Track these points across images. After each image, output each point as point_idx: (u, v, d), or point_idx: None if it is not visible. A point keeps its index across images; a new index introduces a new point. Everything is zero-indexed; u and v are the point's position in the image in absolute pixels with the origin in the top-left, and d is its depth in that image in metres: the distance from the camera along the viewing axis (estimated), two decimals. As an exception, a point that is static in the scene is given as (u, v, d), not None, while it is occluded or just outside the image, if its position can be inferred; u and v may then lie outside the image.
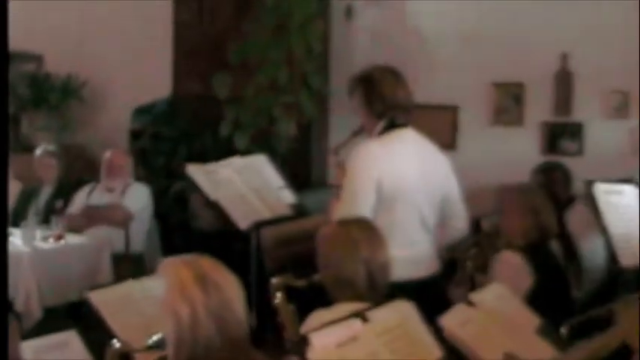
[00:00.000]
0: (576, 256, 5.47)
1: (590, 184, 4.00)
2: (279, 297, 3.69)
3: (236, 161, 4.69)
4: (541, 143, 7.43)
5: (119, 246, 6.85)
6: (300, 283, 3.63)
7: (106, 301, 3.55)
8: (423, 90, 6.08)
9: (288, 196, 4.69)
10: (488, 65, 7.49)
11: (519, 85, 7.47)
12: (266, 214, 4.54)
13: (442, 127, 7.36)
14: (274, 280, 3.68)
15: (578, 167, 6.43)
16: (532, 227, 4.55)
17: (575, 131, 7.31)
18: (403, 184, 4.10)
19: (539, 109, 7.44)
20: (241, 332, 2.73)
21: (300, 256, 6.67)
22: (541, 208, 4.61)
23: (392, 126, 4.18)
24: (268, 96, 7.29)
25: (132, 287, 3.68)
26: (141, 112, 8.46)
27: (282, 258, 7.21)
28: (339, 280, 3.37)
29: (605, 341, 2.83)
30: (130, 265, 6.85)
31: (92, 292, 3.56)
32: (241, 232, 7.69)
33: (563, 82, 7.30)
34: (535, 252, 4.48)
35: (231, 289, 2.75)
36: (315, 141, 7.97)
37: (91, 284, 6.29)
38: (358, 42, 7.97)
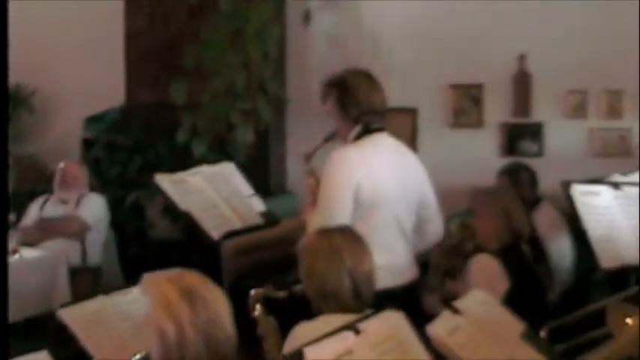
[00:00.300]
0: (545, 258, 5.44)
1: (567, 185, 3.93)
2: (258, 309, 3.58)
3: (205, 169, 4.55)
4: (501, 145, 7.41)
5: (75, 259, 6.67)
6: (281, 294, 3.53)
7: (77, 318, 3.42)
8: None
9: (258, 205, 4.57)
10: (446, 67, 7.46)
11: (478, 87, 7.44)
12: (237, 224, 4.41)
13: (401, 129, 7.27)
14: (253, 292, 3.58)
15: (538, 168, 6.39)
16: (505, 230, 4.52)
17: (534, 132, 7.29)
18: (382, 191, 4.00)
19: (498, 110, 7.42)
20: (230, 349, 2.62)
21: (260, 263, 6.60)
22: (513, 210, 4.58)
23: (367, 131, 4.09)
24: (225, 102, 7.16)
25: (103, 303, 3.55)
26: (93, 120, 8.28)
27: (241, 267, 7.13)
28: (324, 291, 3.26)
29: (607, 356, 2.77)
30: (87, 278, 6.69)
31: (63, 309, 3.43)
32: (200, 242, 7.61)
33: (522, 83, 7.29)
34: (509, 255, 4.45)
35: (218, 304, 2.63)
36: (273, 147, 7.86)
37: (48, 299, 6.15)
38: (314, 46, 7.88)
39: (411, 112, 7.57)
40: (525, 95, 7.29)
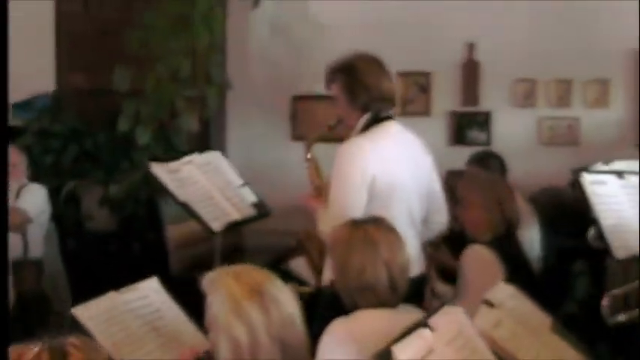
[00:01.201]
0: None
1: (577, 173, 3.89)
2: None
3: (196, 158, 4.35)
4: (449, 133, 7.35)
5: (16, 252, 6.33)
6: (307, 290, 3.37)
7: (92, 316, 3.23)
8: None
9: (249, 195, 4.39)
10: (394, 54, 7.23)
11: (426, 75, 7.36)
12: (234, 215, 4.23)
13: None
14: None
15: (486, 157, 6.33)
16: (499, 220, 4.41)
17: (482, 121, 7.26)
18: (397, 183, 3.88)
19: (446, 98, 7.36)
20: (304, 354, 2.42)
21: (204, 255, 6.42)
22: (506, 199, 4.47)
23: (377, 119, 3.95)
24: (170, 88, 6.91)
25: (115, 300, 3.36)
26: (20, 107, 7.89)
27: (186, 258, 6.93)
28: (361, 285, 3.11)
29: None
30: (29, 272, 6.38)
31: (78, 308, 3.23)
32: (138, 233, 7.37)
33: (470, 72, 7.24)
34: (503, 245, 4.36)
35: (290, 304, 2.43)
36: (214, 135, 7.65)
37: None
38: (256, 32, 7.67)
39: (358, 100, 7.43)
40: (474, 84, 7.25)
